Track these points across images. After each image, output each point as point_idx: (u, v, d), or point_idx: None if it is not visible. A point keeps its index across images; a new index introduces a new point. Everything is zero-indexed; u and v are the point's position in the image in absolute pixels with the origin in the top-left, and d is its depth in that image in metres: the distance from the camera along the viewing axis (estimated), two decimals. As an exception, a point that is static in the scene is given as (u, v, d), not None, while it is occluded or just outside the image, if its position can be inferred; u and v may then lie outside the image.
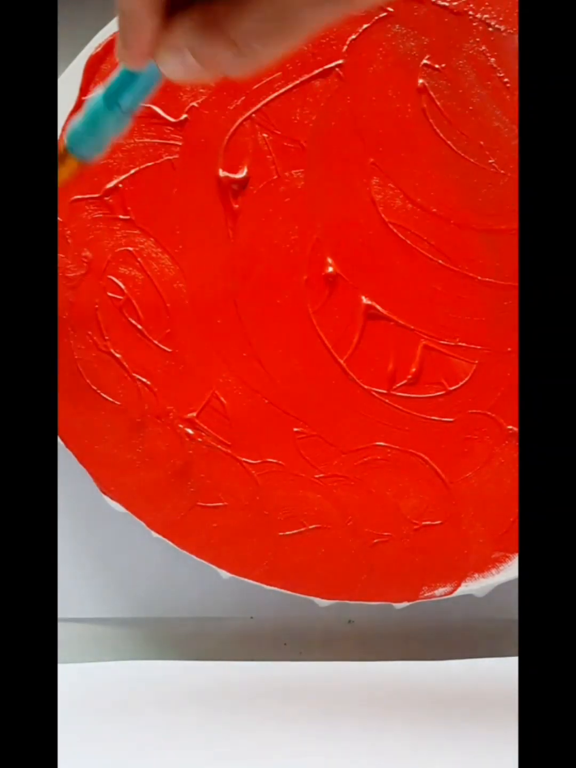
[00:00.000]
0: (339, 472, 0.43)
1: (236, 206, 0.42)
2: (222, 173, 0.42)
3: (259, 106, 0.41)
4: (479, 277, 0.41)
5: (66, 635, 0.48)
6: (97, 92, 0.28)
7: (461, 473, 0.42)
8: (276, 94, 0.41)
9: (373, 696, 0.42)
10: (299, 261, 0.42)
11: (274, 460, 0.43)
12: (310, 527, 0.43)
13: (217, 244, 0.42)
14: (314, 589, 0.43)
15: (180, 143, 0.42)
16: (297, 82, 0.41)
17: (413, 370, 0.42)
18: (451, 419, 0.42)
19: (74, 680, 0.43)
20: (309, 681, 0.43)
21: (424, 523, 0.43)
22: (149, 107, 0.41)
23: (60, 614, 0.46)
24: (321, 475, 0.43)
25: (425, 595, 0.43)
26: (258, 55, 0.22)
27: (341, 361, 0.42)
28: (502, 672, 0.42)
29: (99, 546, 0.48)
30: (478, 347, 0.42)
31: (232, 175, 0.42)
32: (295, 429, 0.43)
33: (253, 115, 0.41)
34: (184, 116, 0.41)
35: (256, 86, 0.41)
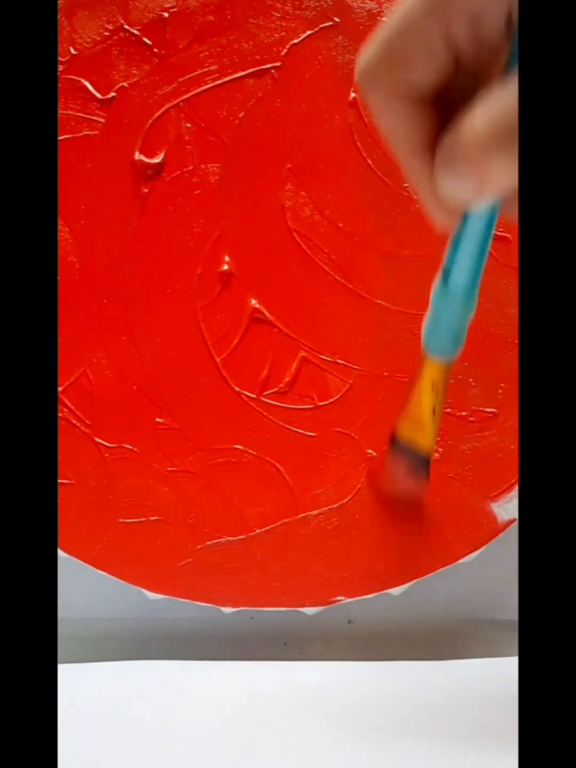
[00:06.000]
0: (192, 468, 0.42)
1: (146, 191, 0.41)
2: (138, 156, 0.40)
3: (188, 95, 0.40)
4: (371, 298, 0.41)
5: (66, 635, 0.46)
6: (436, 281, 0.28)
7: (311, 489, 0.43)
8: (208, 86, 0.40)
9: (373, 696, 0.41)
10: (197, 254, 0.41)
11: (130, 447, 0.42)
12: (151, 518, 0.43)
13: (119, 226, 0.41)
14: (142, 580, 0.43)
15: (103, 120, 0.40)
16: (231, 77, 0.40)
17: (287, 379, 0.42)
18: (313, 434, 0.42)
19: (74, 680, 0.42)
20: (309, 681, 0.42)
21: (263, 530, 0.43)
22: (78, 80, 0.40)
23: (60, 614, 0.45)
24: (173, 468, 0.42)
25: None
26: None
27: (217, 360, 0.42)
28: (502, 672, 0.43)
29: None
30: (356, 367, 0.42)
31: (147, 160, 0.40)
32: (158, 420, 0.42)
33: (181, 103, 0.40)
34: (112, 94, 0.40)
35: (189, 76, 0.40)
